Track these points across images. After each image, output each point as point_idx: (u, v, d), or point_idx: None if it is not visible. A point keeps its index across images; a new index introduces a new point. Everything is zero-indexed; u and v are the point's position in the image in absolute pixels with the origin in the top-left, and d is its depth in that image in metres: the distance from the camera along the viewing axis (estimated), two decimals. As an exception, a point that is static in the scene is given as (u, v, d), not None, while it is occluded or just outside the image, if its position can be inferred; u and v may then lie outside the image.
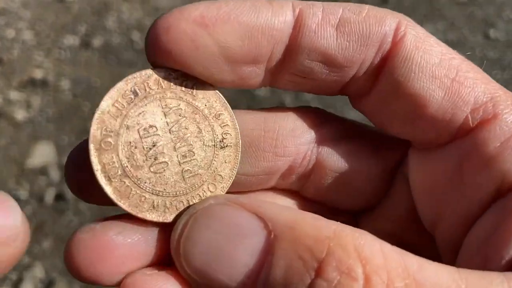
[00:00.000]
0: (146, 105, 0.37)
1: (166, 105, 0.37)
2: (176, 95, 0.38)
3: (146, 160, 0.36)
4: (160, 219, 0.37)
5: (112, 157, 0.36)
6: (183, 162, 0.37)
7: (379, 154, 0.44)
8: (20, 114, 2.25)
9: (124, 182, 0.36)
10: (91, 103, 2.31)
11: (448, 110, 0.37)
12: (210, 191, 0.38)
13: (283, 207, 0.34)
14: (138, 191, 0.36)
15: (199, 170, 0.38)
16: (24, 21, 2.74)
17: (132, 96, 0.37)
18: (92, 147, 0.35)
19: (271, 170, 0.42)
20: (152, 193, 0.37)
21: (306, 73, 0.39)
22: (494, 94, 0.38)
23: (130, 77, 0.37)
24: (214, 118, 0.39)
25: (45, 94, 2.36)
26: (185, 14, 0.35)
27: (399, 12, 0.39)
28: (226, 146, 0.39)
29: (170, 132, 0.37)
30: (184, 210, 0.37)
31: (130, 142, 0.36)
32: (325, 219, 0.32)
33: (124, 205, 0.36)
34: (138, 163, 0.36)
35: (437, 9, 2.86)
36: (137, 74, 0.37)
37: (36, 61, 2.51)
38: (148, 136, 0.37)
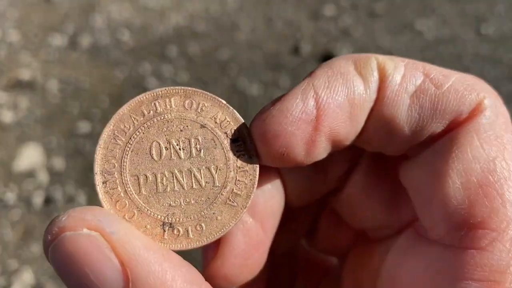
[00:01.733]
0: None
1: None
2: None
3: None
4: None
5: None
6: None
7: None
8: (7, 116, 2.21)
9: None
10: (79, 103, 2.28)
11: None
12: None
13: (158, 260, 0.31)
14: None
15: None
16: (11, 21, 2.70)
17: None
18: None
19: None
20: None
21: (368, 138, 0.38)
22: None
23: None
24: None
25: (32, 95, 2.32)
26: (287, 115, 0.35)
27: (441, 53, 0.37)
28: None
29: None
30: None
31: None
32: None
33: None
34: None
35: (429, 5, 2.85)
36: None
37: (23, 61, 2.48)
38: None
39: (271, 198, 0.41)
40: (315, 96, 0.35)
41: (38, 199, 1.90)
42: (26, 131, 2.17)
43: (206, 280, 0.40)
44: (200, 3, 2.86)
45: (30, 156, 2.04)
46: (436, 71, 0.36)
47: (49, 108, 2.27)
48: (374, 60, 0.36)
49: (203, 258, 0.42)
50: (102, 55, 2.53)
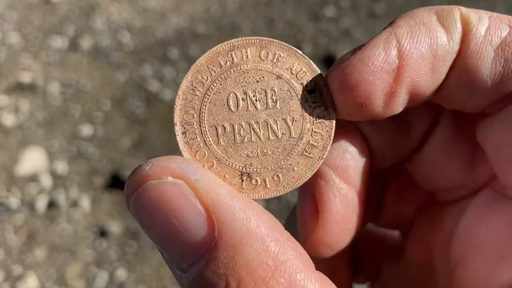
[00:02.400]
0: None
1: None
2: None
3: None
4: None
5: None
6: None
7: None
8: (8, 119, 2.20)
9: None
10: (81, 106, 2.27)
11: None
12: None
13: (242, 207, 0.31)
14: None
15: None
16: (10, 23, 2.68)
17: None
18: None
19: None
20: None
21: (448, 92, 0.37)
22: None
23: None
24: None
25: (33, 98, 2.31)
26: (369, 64, 0.34)
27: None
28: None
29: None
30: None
31: None
32: (276, 237, 0.31)
33: None
34: None
35: (427, 5, 2.85)
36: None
37: (24, 64, 2.46)
38: None
39: (361, 161, 0.41)
40: (397, 45, 0.34)
41: (41, 203, 1.90)
42: (28, 134, 2.16)
43: (307, 250, 0.40)
44: (200, 4, 2.85)
45: (32, 160, 2.03)
46: None
47: (50, 111, 2.26)
48: (457, 11, 0.35)
49: (301, 229, 0.43)
50: (103, 57, 2.52)
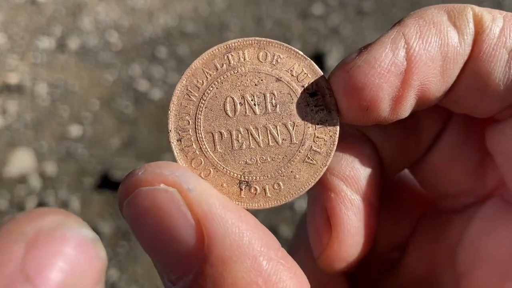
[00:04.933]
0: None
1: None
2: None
3: None
4: None
5: None
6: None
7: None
8: (-5, 121, 2.17)
9: None
10: (69, 107, 2.25)
11: None
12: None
13: (235, 221, 0.30)
14: None
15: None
16: (-4, 24, 2.66)
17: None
18: None
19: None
20: None
21: (458, 96, 0.35)
22: None
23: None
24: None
25: (21, 99, 2.29)
26: (375, 66, 0.32)
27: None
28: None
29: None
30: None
31: None
32: (270, 256, 0.29)
33: None
34: None
35: (417, 3, 2.87)
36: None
37: (11, 65, 2.43)
38: None
39: (371, 169, 0.39)
40: (406, 46, 0.32)
41: (30, 205, 1.88)
42: (16, 136, 2.14)
43: (321, 265, 0.39)
44: (188, 3, 2.84)
45: (21, 161, 2.01)
46: None
47: (38, 112, 2.24)
48: (470, 10, 0.33)
49: (314, 244, 0.41)
50: (91, 57, 2.50)
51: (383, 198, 0.44)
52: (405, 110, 0.35)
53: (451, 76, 0.34)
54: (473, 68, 0.33)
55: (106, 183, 1.97)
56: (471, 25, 0.33)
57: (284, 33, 2.67)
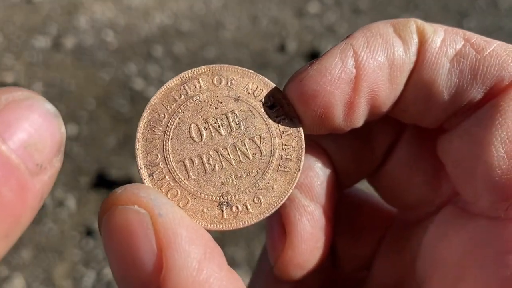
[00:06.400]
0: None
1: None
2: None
3: None
4: None
5: None
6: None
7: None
8: (-9, 120, 2.17)
9: None
10: (65, 106, 2.25)
11: None
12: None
13: (199, 256, 0.29)
14: None
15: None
16: (-8, 23, 2.65)
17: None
18: None
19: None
20: None
21: (406, 105, 0.37)
22: None
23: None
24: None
25: (17, 98, 2.28)
26: (326, 74, 0.34)
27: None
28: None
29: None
30: None
31: None
32: None
33: None
34: None
35: (412, 1, 2.88)
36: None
37: (6, 64, 2.43)
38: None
39: (325, 178, 0.41)
40: (354, 55, 0.34)
41: (26, 204, 1.88)
42: (11, 135, 2.14)
43: (277, 272, 0.39)
44: (184, 2, 2.84)
45: (17, 161, 2.01)
46: (477, 37, 0.35)
47: (34, 111, 2.24)
48: (413, 23, 0.36)
49: (270, 251, 0.41)
50: (87, 56, 2.50)
51: (345, 216, 0.45)
52: (358, 117, 0.36)
53: (399, 84, 0.35)
54: (418, 76, 0.35)
55: (102, 182, 1.97)
56: (415, 35, 0.35)
57: (280, 32, 2.67)
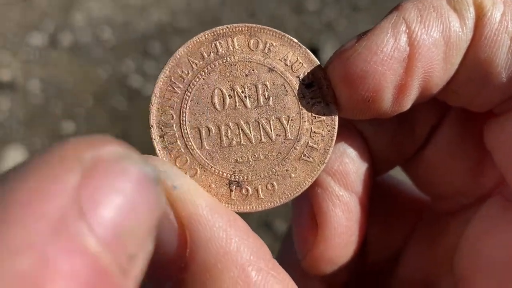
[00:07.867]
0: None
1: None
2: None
3: None
4: None
5: None
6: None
7: None
8: (-12, 118, 2.16)
9: None
10: (62, 103, 2.24)
11: None
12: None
13: (223, 224, 0.26)
14: None
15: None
16: (-12, 20, 2.64)
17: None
18: None
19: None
20: None
21: (458, 86, 0.33)
22: None
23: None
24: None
25: (13, 96, 2.27)
26: (377, 52, 0.30)
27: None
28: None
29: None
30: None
31: None
32: (260, 266, 0.26)
33: None
34: None
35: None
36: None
37: (3, 62, 2.42)
38: None
39: (361, 164, 0.37)
40: (407, 31, 0.30)
41: (23, 202, 1.87)
42: (8, 132, 2.12)
43: (306, 267, 0.36)
44: (182, -2, 2.83)
45: (14, 158, 2.00)
46: None
47: (31, 108, 2.23)
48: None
49: (299, 244, 0.38)
50: (84, 53, 2.49)
51: (376, 204, 0.41)
52: (408, 101, 0.33)
53: (454, 63, 0.32)
54: (474, 55, 0.32)
55: (100, 180, 1.96)
56: (472, 9, 0.31)
57: (278, 28, 2.64)
